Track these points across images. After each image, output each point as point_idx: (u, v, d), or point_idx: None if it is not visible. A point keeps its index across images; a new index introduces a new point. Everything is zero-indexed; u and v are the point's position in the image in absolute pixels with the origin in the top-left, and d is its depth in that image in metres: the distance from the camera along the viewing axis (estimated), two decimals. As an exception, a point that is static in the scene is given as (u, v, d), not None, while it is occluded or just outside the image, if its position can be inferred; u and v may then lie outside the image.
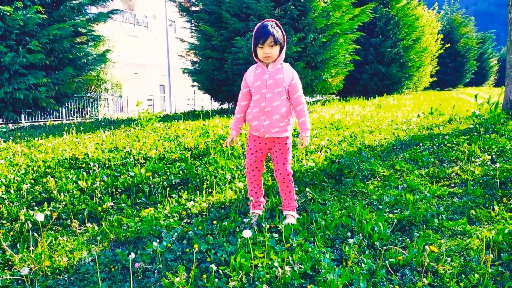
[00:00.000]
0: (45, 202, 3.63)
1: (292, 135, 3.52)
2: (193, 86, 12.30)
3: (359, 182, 3.72)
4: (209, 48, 10.41)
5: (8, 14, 8.48)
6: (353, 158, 4.38)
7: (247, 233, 2.32)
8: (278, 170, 3.05)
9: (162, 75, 35.42)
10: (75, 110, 18.25)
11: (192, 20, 11.32)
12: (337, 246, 2.70)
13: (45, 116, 16.01)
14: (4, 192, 3.75)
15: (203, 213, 3.33)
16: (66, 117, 17.73)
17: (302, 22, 9.75)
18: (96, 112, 19.37)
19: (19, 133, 7.45)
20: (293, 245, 2.69)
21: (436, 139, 4.83)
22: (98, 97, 19.99)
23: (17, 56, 8.63)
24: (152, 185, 3.88)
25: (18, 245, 2.88)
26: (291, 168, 3.13)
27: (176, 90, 32.79)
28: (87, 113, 18.86)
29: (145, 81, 34.01)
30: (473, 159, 4.04)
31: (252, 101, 3.02)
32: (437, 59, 25.59)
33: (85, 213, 3.38)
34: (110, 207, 3.54)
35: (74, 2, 10.15)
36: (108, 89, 20.95)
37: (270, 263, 2.45)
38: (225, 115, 9.13)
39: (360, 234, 2.71)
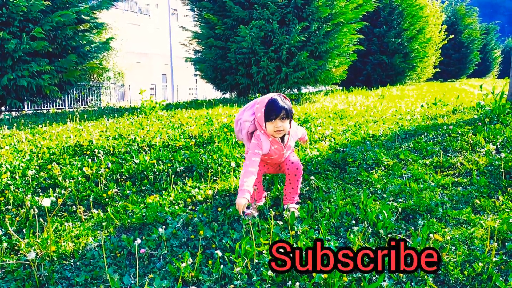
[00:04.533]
0: (50, 188, 3.65)
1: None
2: (195, 75, 12.27)
3: (363, 171, 3.73)
4: (212, 36, 10.37)
5: (12, 0, 8.43)
6: (358, 147, 4.38)
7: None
8: (290, 160, 3.03)
9: (164, 64, 35.34)
10: (78, 98, 18.25)
11: (195, 9, 11.27)
12: (341, 234, 2.71)
13: (48, 104, 16.01)
14: (9, 178, 3.77)
15: (208, 200, 3.34)
16: (68, 105, 17.74)
17: (306, 11, 9.70)
18: (99, 101, 19.36)
19: (22, 120, 7.46)
20: (298, 232, 2.70)
21: (440, 129, 4.82)
22: (101, 85, 19.97)
23: (21, 43, 8.60)
24: (157, 172, 3.89)
25: (24, 230, 2.90)
26: None
27: (178, 79, 32.73)
28: (89, 102, 18.86)
29: (148, 70, 33.95)
30: (477, 149, 4.03)
31: (265, 162, 3.10)
32: (440, 50, 25.45)
33: (90, 200, 3.39)
34: (115, 193, 3.55)
35: (77, -11, 10.09)
36: (110, 78, 20.92)
37: (275, 250, 2.46)
38: (228, 104, 9.11)
39: (365, 222, 2.72)
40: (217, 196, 3.39)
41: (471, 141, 4.17)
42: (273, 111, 2.79)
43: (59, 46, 9.62)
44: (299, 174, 3.04)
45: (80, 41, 10.28)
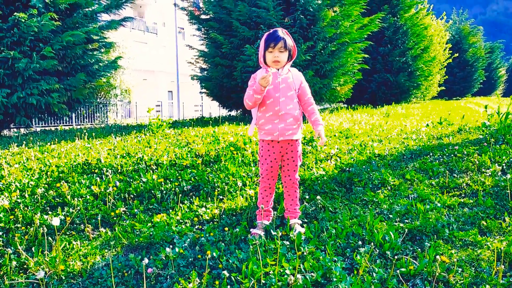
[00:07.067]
0: (59, 207, 3.69)
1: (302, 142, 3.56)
2: (201, 92, 12.40)
3: (369, 191, 3.74)
4: (219, 55, 10.49)
5: (23, 21, 8.60)
6: (363, 167, 4.39)
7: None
8: (288, 176, 3.14)
9: (170, 82, 35.70)
10: (85, 115, 18.43)
11: (202, 28, 11.43)
12: (348, 255, 2.72)
13: (55, 120, 16.18)
14: (19, 196, 3.81)
15: (215, 220, 3.36)
16: (76, 122, 17.91)
17: (311, 31, 9.82)
18: (105, 118, 19.55)
19: (31, 138, 7.55)
20: (304, 253, 2.71)
21: (446, 149, 4.83)
22: (108, 102, 20.18)
23: (31, 62, 8.74)
24: (164, 191, 3.93)
25: (33, 248, 2.94)
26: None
27: (184, 96, 33.00)
28: (96, 119, 19.04)
29: (154, 87, 34.30)
30: (483, 169, 4.04)
31: (264, 105, 3.06)
32: (445, 68, 25.54)
33: (98, 218, 3.42)
34: (123, 212, 3.59)
35: (87, 9, 10.28)
36: (117, 95, 21.15)
37: (281, 270, 2.48)
38: (234, 122, 9.18)
39: (371, 243, 2.73)
40: (224, 216, 3.41)
41: (477, 162, 4.18)
42: (271, 40, 2.95)
43: (68, 65, 9.77)
44: (296, 185, 3.19)
45: (89, 60, 10.43)
